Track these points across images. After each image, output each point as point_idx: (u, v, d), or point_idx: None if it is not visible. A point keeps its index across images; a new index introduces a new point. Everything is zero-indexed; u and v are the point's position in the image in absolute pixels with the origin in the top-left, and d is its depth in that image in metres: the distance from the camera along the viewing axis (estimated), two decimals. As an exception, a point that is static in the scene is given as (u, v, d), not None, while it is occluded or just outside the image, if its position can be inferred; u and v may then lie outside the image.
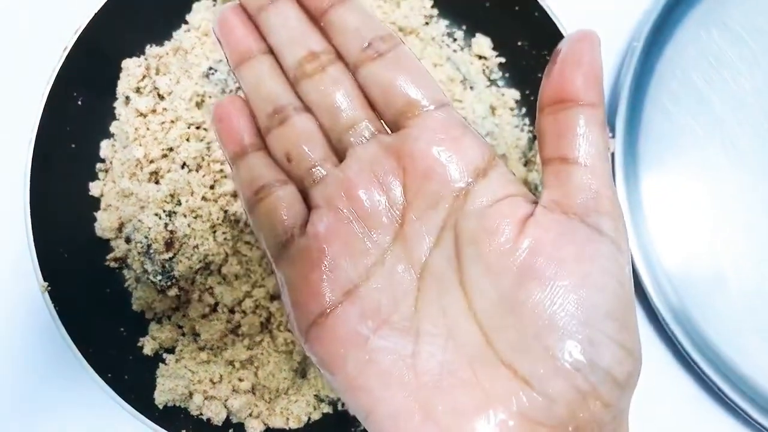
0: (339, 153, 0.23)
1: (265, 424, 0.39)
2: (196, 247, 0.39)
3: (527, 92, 0.44)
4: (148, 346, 0.40)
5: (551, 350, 0.18)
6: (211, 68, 0.40)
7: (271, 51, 0.24)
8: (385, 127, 0.23)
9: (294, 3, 0.23)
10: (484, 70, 0.45)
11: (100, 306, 0.40)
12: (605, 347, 0.18)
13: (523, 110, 0.44)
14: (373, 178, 0.22)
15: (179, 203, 0.39)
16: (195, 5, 0.43)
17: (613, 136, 0.41)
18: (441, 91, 0.22)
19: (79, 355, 0.36)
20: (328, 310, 0.21)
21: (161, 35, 0.43)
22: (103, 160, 0.42)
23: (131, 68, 0.42)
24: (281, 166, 0.23)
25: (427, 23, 0.44)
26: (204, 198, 0.39)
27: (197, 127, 0.40)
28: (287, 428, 0.40)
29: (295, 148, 0.23)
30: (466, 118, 0.24)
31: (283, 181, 0.23)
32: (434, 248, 0.21)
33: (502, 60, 0.45)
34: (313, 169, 0.23)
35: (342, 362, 0.20)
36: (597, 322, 0.18)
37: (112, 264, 0.41)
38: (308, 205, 0.23)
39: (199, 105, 0.40)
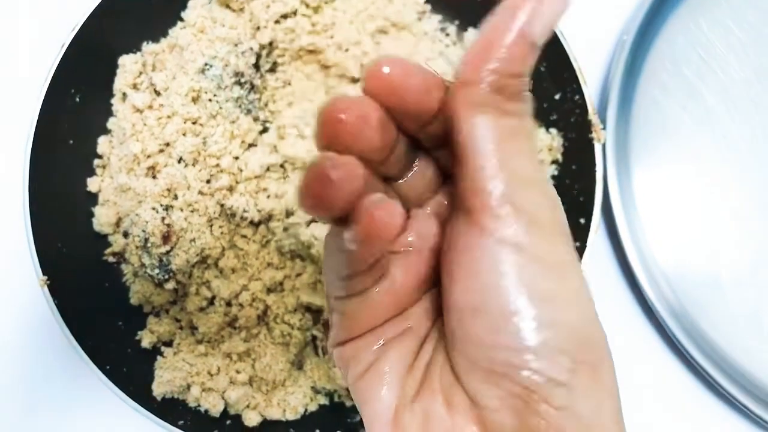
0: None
1: (262, 416, 0.40)
2: (193, 240, 0.39)
3: (519, 86, 0.45)
4: (147, 339, 0.40)
5: (474, 362, 0.18)
6: (206, 64, 0.40)
7: None
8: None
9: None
10: (476, 64, 0.45)
11: (99, 300, 0.40)
12: (518, 346, 0.17)
13: (516, 104, 0.45)
14: (437, 220, 0.22)
15: (176, 197, 0.39)
16: (190, 2, 0.43)
17: (604, 128, 0.42)
18: None
19: (79, 348, 0.37)
20: (371, 329, 0.21)
21: (157, 32, 0.43)
22: (100, 156, 0.42)
23: (128, 65, 0.42)
24: None
25: (419, 18, 0.45)
26: (200, 192, 0.40)
27: (193, 123, 0.40)
28: (284, 419, 0.40)
29: None
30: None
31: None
32: None
33: (495, 54, 0.45)
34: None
35: (357, 361, 0.21)
36: (504, 326, 0.17)
37: (111, 258, 0.41)
38: None
39: (195, 100, 0.41)
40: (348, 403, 0.41)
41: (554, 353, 0.17)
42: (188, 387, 0.39)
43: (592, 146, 0.41)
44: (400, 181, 0.21)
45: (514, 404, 0.17)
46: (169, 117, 0.40)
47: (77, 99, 0.41)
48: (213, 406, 0.39)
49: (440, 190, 0.22)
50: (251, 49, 0.41)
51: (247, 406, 0.40)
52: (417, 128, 0.20)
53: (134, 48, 0.43)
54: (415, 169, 0.21)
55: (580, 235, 0.40)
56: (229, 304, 0.40)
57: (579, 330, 0.18)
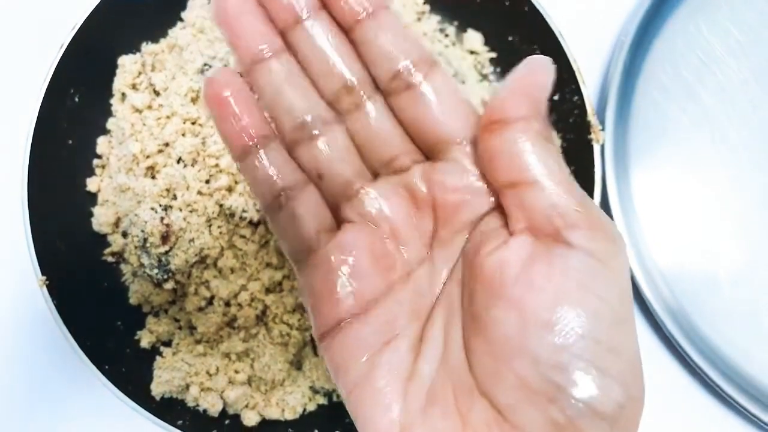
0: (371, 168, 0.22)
1: (260, 416, 0.40)
2: (192, 240, 0.39)
3: (518, 87, 0.45)
4: (146, 339, 0.40)
5: (522, 378, 0.17)
6: (206, 64, 0.40)
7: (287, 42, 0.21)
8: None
9: (326, 20, 0.21)
10: (475, 65, 0.45)
11: (98, 300, 0.40)
12: (582, 374, 0.17)
13: (515, 105, 0.45)
14: (408, 201, 0.21)
15: (175, 198, 0.39)
16: (190, 2, 0.43)
17: (603, 129, 0.42)
18: (477, 116, 0.21)
19: (77, 348, 0.37)
20: (346, 321, 0.20)
21: (157, 32, 0.43)
22: (99, 156, 0.42)
23: (127, 65, 0.42)
24: (309, 178, 0.22)
25: (419, 19, 0.45)
26: (199, 192, 0.40)
27: (193, 123, 0.40)
28: (283, 419, 0.40)
29: (328, 168, 0.21)
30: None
31: (306, 181, 0.21)
32: (452, 272, 0.21)
33: (493, 55, 0.45)
34: (347, 186, 0.22)
35: (345, 371, 0.20)
36: (571, 346, 0.17)
37: (110, 258, 0.41)
38: (334, 213, 0.22)
39: (194, 101, 0.41)
40: (346, 403, 0.41)
41: (613, 382, 0.17)
42: (187, 387, 0.39)
43: (591, 147, 0.41)
44: (354, 121, 0.21)
45: (547, 430, 0.17)
46: (168, 117, 0.40)
47: (76, 99, 0.41)
48: (212, 405, 0.39)
49: (415, 170, 0.22)
50: (250, 49, 0.41)
51: (246, 406, 0.40)
52: (349, 22, 0.21)
53: (133, 48, 0.43)
54: (366, 102, 0.21)
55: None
56: (228, 304, 0.40)
57: (635, 362, 0.18)
